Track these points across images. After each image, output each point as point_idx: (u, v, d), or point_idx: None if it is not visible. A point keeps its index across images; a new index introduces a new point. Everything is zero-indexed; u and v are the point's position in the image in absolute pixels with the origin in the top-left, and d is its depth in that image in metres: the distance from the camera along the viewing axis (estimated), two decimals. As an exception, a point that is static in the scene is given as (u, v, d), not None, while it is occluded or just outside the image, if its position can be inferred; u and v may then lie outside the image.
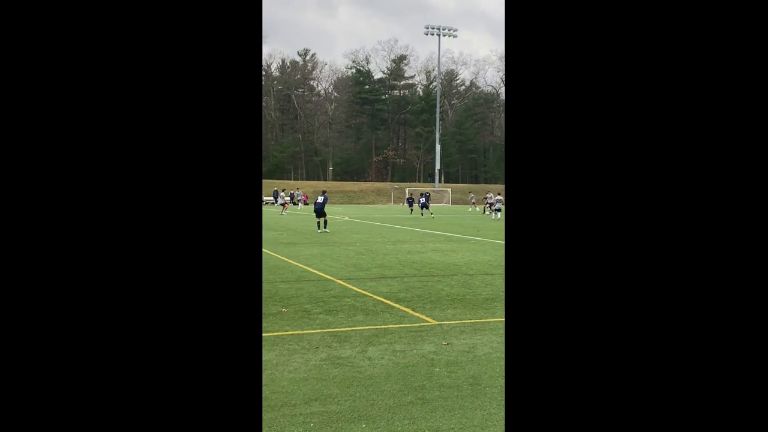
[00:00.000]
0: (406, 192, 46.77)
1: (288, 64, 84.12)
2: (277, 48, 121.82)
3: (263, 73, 78.46)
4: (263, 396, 3.87)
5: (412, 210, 32.18)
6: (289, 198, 36.60)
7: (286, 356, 4.82)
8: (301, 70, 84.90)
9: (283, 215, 28.72)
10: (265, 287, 8.14)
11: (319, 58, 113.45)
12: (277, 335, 5.52)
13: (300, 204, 41.26)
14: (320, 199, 18.54)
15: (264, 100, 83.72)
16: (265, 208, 35.36)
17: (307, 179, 73.20)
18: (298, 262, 10.85)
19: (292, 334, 5.56)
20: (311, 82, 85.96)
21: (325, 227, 18.26)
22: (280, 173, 74.37)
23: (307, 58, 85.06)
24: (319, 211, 18.30)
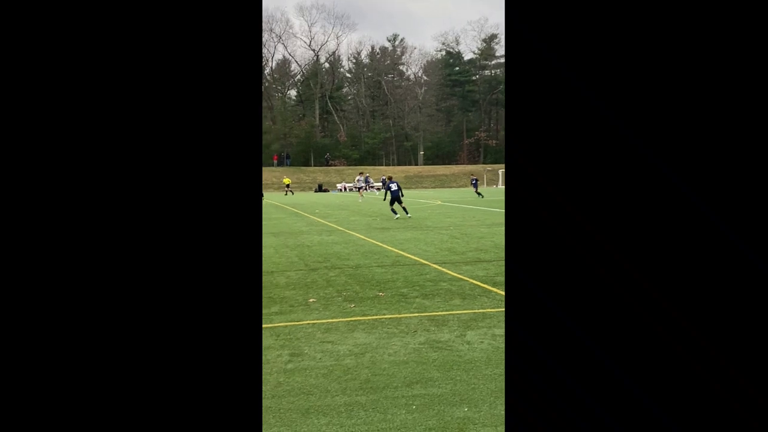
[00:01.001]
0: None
1: (378, 50, 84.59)
2: (366, 35, 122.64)
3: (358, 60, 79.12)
4: (365, 378, 3.96)
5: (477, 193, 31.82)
6: (364, 183, 36.93)
7: (386, 339, 4.89)
8: (390, 56, 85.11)
9: (360, 201, 29.02)
10: (361, 272, 8.30)
11: (408, 42, 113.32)
12: (376, 318, 5.61)
13: (375, 190, 41.61)
14: (394, 186, 18.29)
15: (354, 87, 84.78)
16: (348, 194, 36.07)
17: (399, 164, 73.58)
18: (392, 247, 10.96)
19: (390, 318, 5.63)
20: (401, 67, 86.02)
21: (406, 213, 18.03)
22: (372, 159, 75.19)
23: (396, 43, 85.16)
24: (397, 198, 18.13)
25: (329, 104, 79.87)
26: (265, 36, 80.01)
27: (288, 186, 47.07)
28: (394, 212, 18.25)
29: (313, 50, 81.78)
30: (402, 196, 18.52)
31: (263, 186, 45.25)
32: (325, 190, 51.14)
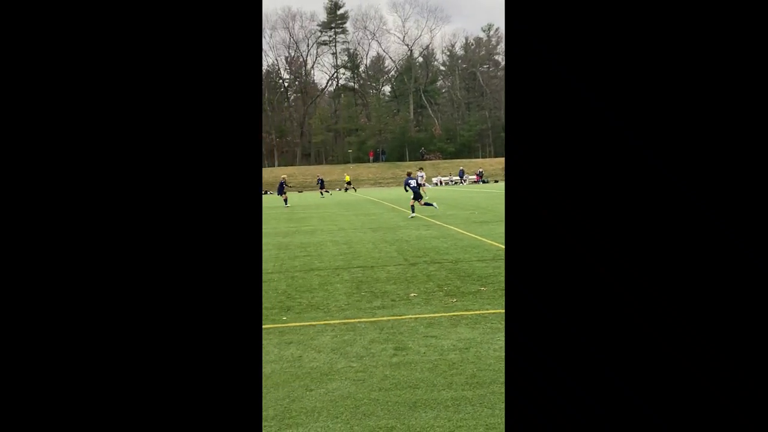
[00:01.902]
0: None
1: (472, 41, 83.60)
2: (460, 27, 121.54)
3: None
4: (471, 373, 3.93)
5: None
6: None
7: (490, 335, 4.84)
8: (485, 46, 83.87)
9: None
10: (461, 266, 8.26)
11: (503, 31, 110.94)
12: (479, 314, 5.57)
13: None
14: (413, 182, 17.71)
15: (449, 80, 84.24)
16: (445, 188, 35.72)
17: (495, 156, 72.40)
18: (492, 241, 10.82)
19: (493, 313, 5.56)
20: (496, 57, 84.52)
21: (426, 204, 17.39)
22: (468, 152, 74.49)
23: (491, 33, 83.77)
24: (417, 193, 17.54)
25: (423, 98, 79.86)
26: (359, 34, 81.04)
27: (349, 183, 46.83)
28: (430, 204, 17.85)
29: (407, 45, 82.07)
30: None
31: (354, 182, 46.02)
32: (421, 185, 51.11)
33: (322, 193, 37.64)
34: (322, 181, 39.34)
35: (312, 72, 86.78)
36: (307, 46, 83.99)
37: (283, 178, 28.04)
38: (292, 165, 74.41)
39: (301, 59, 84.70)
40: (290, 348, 4.72)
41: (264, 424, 3.30)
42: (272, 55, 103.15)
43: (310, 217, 18.50)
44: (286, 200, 26.27)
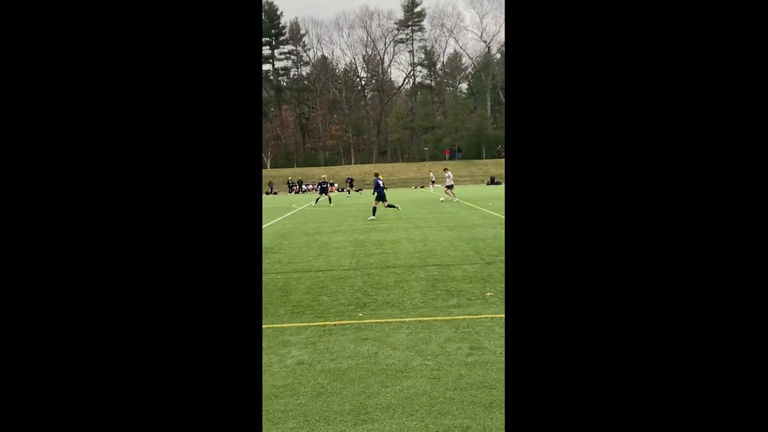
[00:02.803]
0: None
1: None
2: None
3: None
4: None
5: None
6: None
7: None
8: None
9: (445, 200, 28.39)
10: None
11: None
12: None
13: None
14: (381, 183, 18.62)
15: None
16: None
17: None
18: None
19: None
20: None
21: (373, 214, 17.57)
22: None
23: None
24: (381, 195, 18.28)
25: (501, 95, 78.61)
26: (436, 31, 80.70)
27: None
28: (393, 206, 19.21)
29: (485, 42, 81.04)
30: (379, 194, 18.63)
31: (428, 180, 45.88)
32: (497, 183, 50.71)
33: (349, 192, 38.89)
34: (352, 180, 40.98)
35: (389, 70, 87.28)
36: (384, 44, 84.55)
37: (323, 178, 29.07)
38: (368, 163, 75.18)
39: (378, 57, 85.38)
40: (366, 344, 4.78)
41: (340, 418, 3.37)
42: (350, 53, 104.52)
43: (387, 215, 18.63)
44: (330, 199, 27.77)
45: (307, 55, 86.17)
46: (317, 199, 28.07)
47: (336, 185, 36.94)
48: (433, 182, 43.09)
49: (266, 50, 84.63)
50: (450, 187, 26.83)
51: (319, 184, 28.35)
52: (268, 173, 63.25)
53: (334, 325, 5.47)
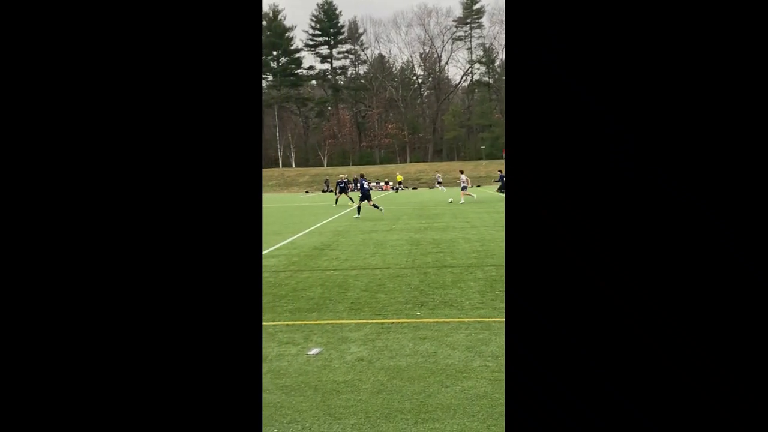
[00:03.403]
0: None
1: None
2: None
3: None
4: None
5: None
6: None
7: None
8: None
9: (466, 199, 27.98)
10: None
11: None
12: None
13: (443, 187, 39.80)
14: (366, 185, 20.45)
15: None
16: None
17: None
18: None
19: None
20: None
21: (358, 213, 18.97)
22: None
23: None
24: (366, 195, 19.89)
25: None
26: (495, 28, 79.80)
27: (400, 183, 45.96)
28: (376, 207, 20.22)
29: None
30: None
31: (487, 180, 45.37)
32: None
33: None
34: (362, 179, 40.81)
35: (446, 68, 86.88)
36: (442, 42, 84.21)
37: (342, 177, 29.04)
38: (423, 161, 75.04)
39: (435, 55, 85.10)
40: (425, 343, 4.77)
41: (401, 416, 3.38)
42: (407, 51, 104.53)
43: (443, 214, 18.56)
44: (352, 198, 26.95)
45: (365, 54, 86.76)
46: (336, 199, 27.55)
47: (352, 184, 36.44)
48: (439, 183, 43.03)
49: (325, 49, 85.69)
50: (464, 188, 26.67)
51: (337, 183, 28.04)
52: (323, 171, 64.02)
53: (392, 323, 5.48)
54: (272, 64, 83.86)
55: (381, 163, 74.97)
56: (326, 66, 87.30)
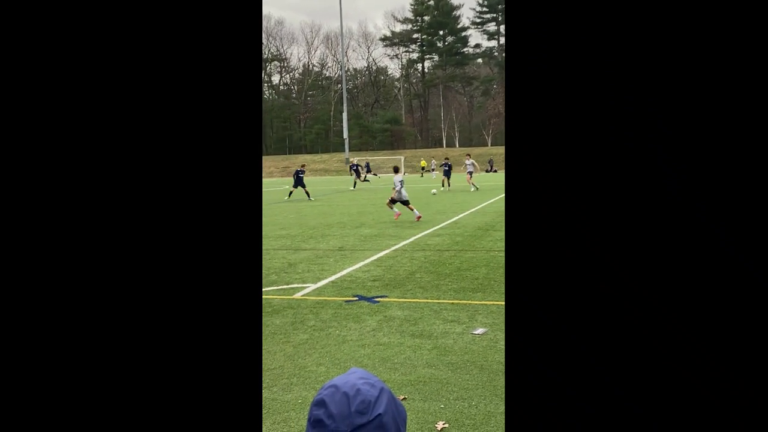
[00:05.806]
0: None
1: None
2: None
3: None
4: None
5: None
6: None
7: None
8: None
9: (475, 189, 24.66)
10: None
11: None
12: None
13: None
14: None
15: None
16: None
17: None
18: None
19: None
20: None
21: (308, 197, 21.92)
22: None
23: None
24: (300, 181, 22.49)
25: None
26: None
27: (423, 168, 44.83)
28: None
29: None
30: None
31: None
32: (495, 171, 47.41)
33: (356, 183, 33.99)
34: (369, 165, 40.86)
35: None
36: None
37: (353, 161, 29.49)
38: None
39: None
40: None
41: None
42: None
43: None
44: (355, 183, 29.40)
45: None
46: (354, 183, 28.58)
47: (360, 167, 35.97)
48: (433, 169, 41.76)
49: (492, 26, 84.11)
50: (470, 173, 24.71)
51: (351, 167, 28.64)
52: (488, 150, 63.51)
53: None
54: (438, 44, 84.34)
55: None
56: (493, 43, 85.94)
